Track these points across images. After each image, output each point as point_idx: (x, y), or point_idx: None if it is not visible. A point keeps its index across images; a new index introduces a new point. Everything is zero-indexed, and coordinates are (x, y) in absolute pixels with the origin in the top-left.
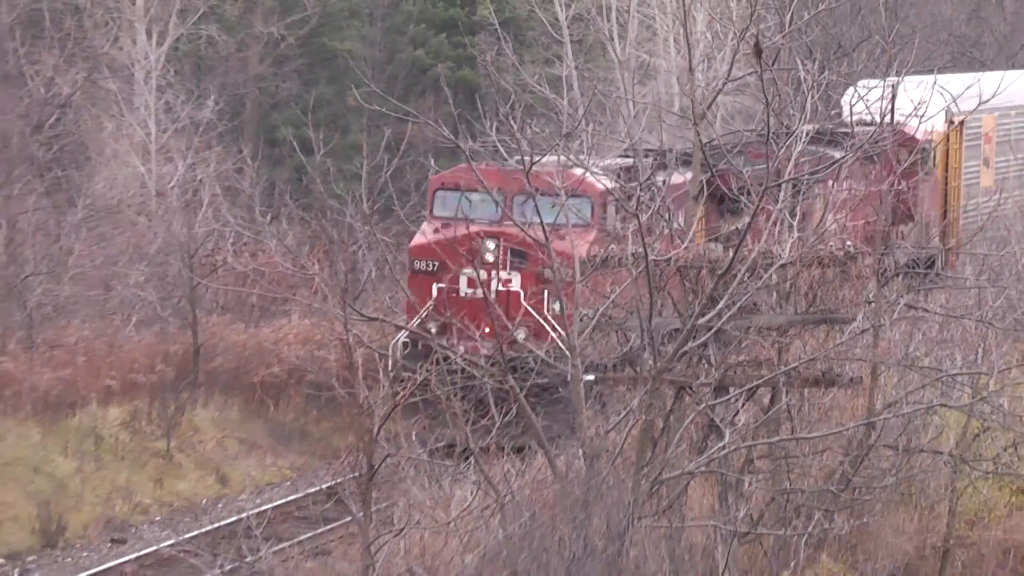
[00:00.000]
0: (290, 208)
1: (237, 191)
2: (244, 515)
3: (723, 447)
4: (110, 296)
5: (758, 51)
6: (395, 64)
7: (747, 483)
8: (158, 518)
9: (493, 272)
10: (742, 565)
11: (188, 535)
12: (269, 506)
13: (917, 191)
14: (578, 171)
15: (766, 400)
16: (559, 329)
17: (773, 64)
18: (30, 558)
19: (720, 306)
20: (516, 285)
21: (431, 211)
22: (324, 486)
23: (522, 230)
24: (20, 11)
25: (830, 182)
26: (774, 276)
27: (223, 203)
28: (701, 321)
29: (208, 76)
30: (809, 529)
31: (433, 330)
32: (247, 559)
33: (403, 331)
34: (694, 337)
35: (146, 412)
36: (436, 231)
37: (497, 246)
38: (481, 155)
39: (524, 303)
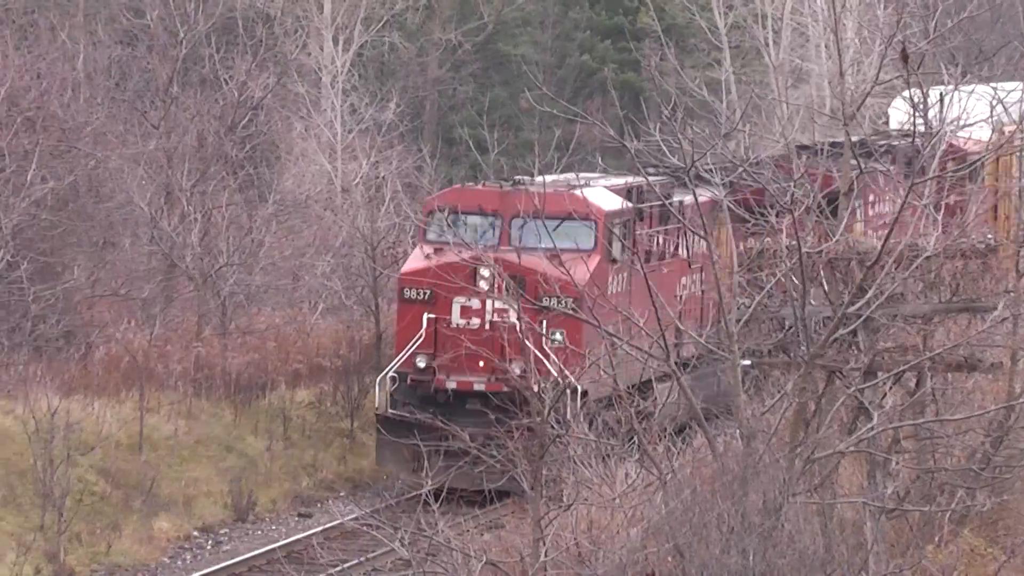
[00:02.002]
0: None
1: (417, 187)
2: (422, 491)
3: (871, 428)
4: (298, 285)
5: (904, 56)
6: (564, 68)
7: (894, 462)
8: (342, 493)
9: (488, 301)
10: (889, 539)
11: (370, 509)
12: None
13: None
14: (583, 193)
15: (912, 384)
16: (558, 363)
17: (918, 68)
18: (223, 531)
19: (869, 295)
20: (512, 315)
21: (423, 235)
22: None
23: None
24: (215, 20)
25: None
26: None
27: (404, 198)
28: (851, 310)
29: (390, 80)
30: (952, 506)
31: (422, 364)
32: (426, 532)
33: (393, 364)
34: (844, 324)
35: (331, 394)
36: (428, 257)
37: (493, 273)
38: (645, 155)
39: (520, 335)
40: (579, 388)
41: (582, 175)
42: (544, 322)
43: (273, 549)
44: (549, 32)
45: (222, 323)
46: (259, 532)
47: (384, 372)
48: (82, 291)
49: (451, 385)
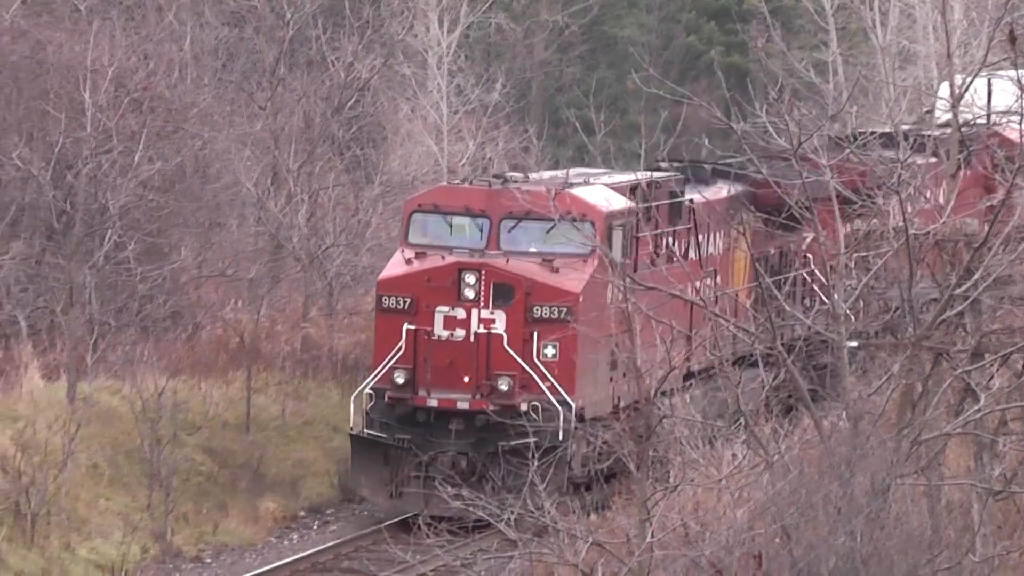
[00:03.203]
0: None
1: (523, 168)
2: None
3: (979, 410)
4: None
5: (1012, 38)
6: (670, 50)
7: (1001, 444)
8: None
9: (473, 311)
10: (996, 521)
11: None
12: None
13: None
14: (579, 191)
15: (1019, 365)
16: (550, 378)
17: None
18: (329, 510)
19: (976, 277)
20: (500, 326)
21: (405, 237)
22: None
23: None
24: (322, 1)
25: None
26: None
27: None
28: (958, 291)
29: (496, 61)
30: None
31: (400, 380)
32: (532, 513)
33: (369, 380)
34: (951, 306)
35: None
36: (409, 262)
37: (478, 280)
38: (752, 136)
39: (507, 348)
40: (572, 406)
41: (584, 171)
42: (536, 334)
43: (379, 529)
44: (655, 14)
45: (328, 304)
46: (365, 512)
47: (359, 388)
48: (189, 271)
49: (432, 403)
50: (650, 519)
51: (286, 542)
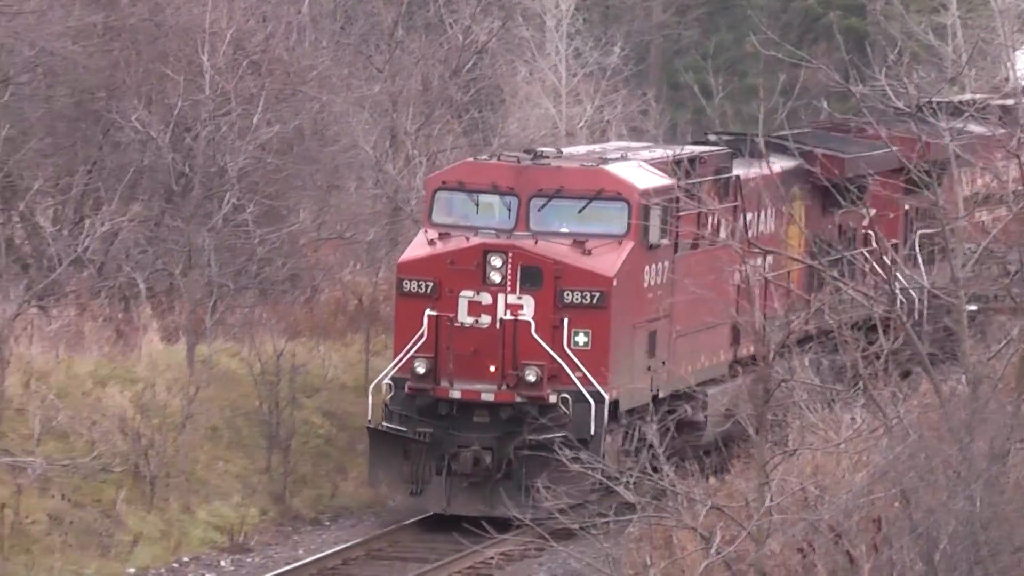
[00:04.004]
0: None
1: (642, 131)
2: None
3: None
4: None
5: None
6: (789, 12)
7: None
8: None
9: (500, 296)
10: None
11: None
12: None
13: None
14: (613, 167)
15: None
16: (582, 368)
17: None
18: None
19: None
20: (528, 312)
21: (428, 216)
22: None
23: None
24: None
25: None
26: None
27: (627, 141)
28: None
29: (615, 24)
30: None
31: (421, 370)
32: (651, 476)
33: (389, 369)
34: None
35: None
36: (432, 243)
37: (505, 263)
38: (870, 98)
39: (535, 335)
40: (606, 398)
41: (626, 145)
42: (566, 320)
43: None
44: None
45: None
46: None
47: (379, 378)
48: (307, 234)
49: (455, 394)
50: (769, 483)
51: None
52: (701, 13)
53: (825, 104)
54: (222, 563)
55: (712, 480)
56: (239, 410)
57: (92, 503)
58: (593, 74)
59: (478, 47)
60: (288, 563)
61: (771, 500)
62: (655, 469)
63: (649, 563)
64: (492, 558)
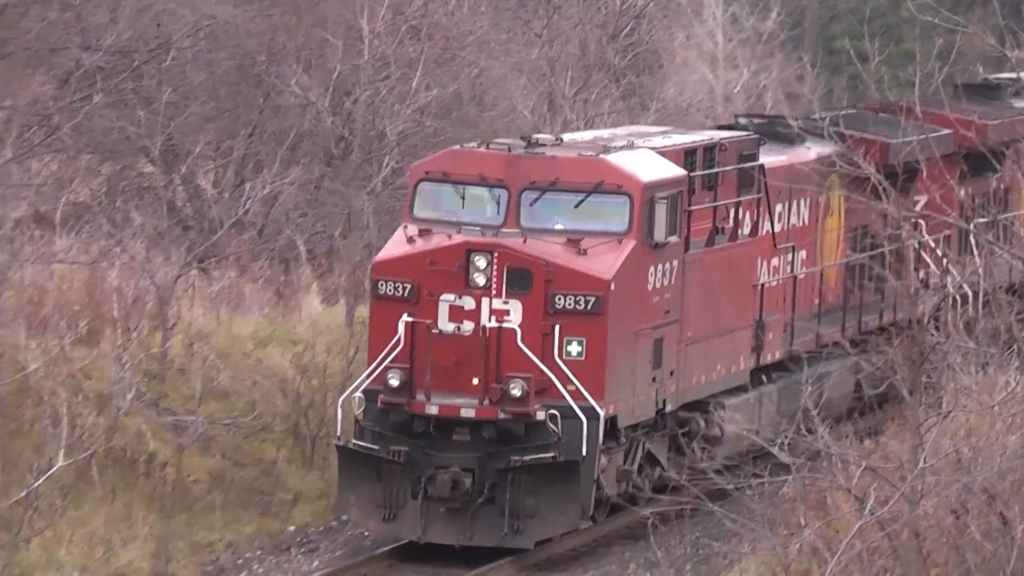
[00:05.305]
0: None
1: (797, 96)
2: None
3: None
4: None
5: None
6: None
7: None
8: None
9: (484, 300)
10: None
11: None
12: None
13: None
14: (615, 157)
15: None
16: (574, 381)
17: None
18: None
19: None
20: (514, 319)
21: (410, 210)
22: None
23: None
24: None
25: None
26: None
27: (785, 107)
28: None
29: None
30: None
31: (395, 382)
32: (806, 437)
33: (360, 380)
34: None
35: None
36: (411, 240)
37: (490, 263)
38: None
39: (521, 344)
40: (600, 414)
41: (639, 130)
42: (557, 328)
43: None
44: None
45: None
46: None
47: (349, 391)
48: None
49: (432, 410)
50: (923, 445)
51: None
52: None
53: (981, 69)
54: None
55: (867, 442)
56: None
57: (252, 462)
58: (749, 39)
59: (636, 11)
60: None
61: (925, 462)
62: (809, 431)
63: (803, 523)
64: (648, 516)
